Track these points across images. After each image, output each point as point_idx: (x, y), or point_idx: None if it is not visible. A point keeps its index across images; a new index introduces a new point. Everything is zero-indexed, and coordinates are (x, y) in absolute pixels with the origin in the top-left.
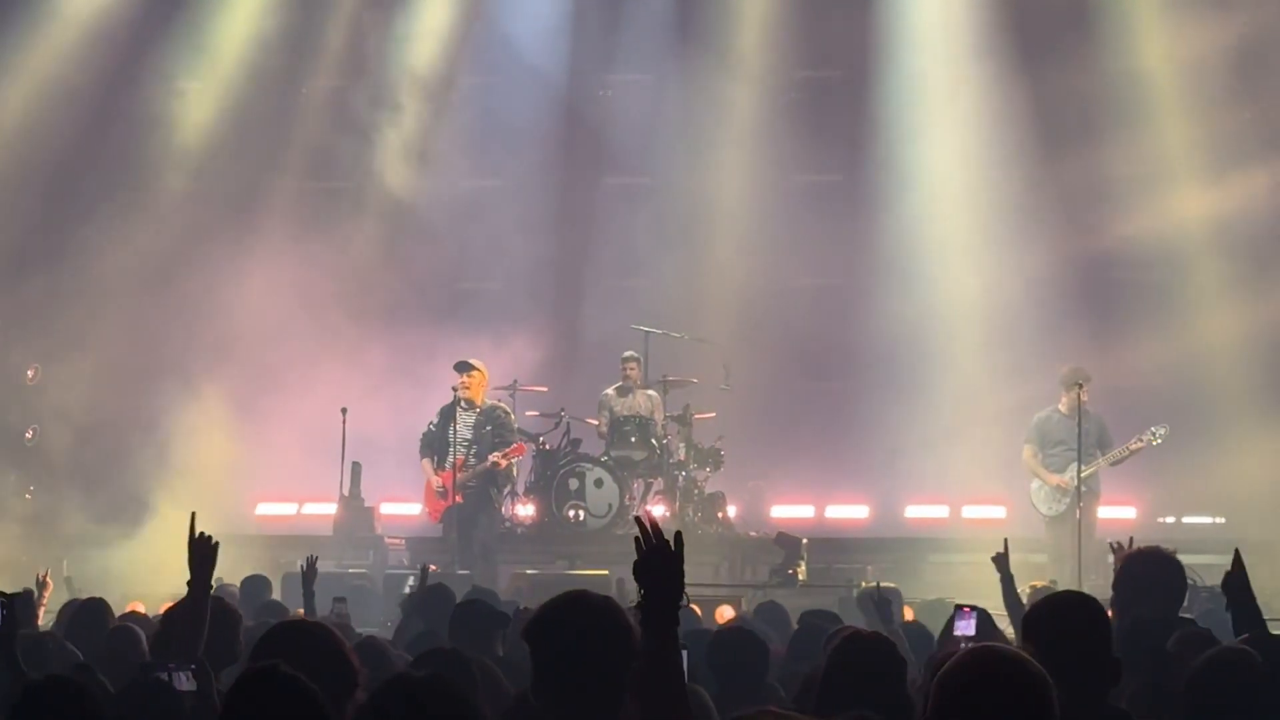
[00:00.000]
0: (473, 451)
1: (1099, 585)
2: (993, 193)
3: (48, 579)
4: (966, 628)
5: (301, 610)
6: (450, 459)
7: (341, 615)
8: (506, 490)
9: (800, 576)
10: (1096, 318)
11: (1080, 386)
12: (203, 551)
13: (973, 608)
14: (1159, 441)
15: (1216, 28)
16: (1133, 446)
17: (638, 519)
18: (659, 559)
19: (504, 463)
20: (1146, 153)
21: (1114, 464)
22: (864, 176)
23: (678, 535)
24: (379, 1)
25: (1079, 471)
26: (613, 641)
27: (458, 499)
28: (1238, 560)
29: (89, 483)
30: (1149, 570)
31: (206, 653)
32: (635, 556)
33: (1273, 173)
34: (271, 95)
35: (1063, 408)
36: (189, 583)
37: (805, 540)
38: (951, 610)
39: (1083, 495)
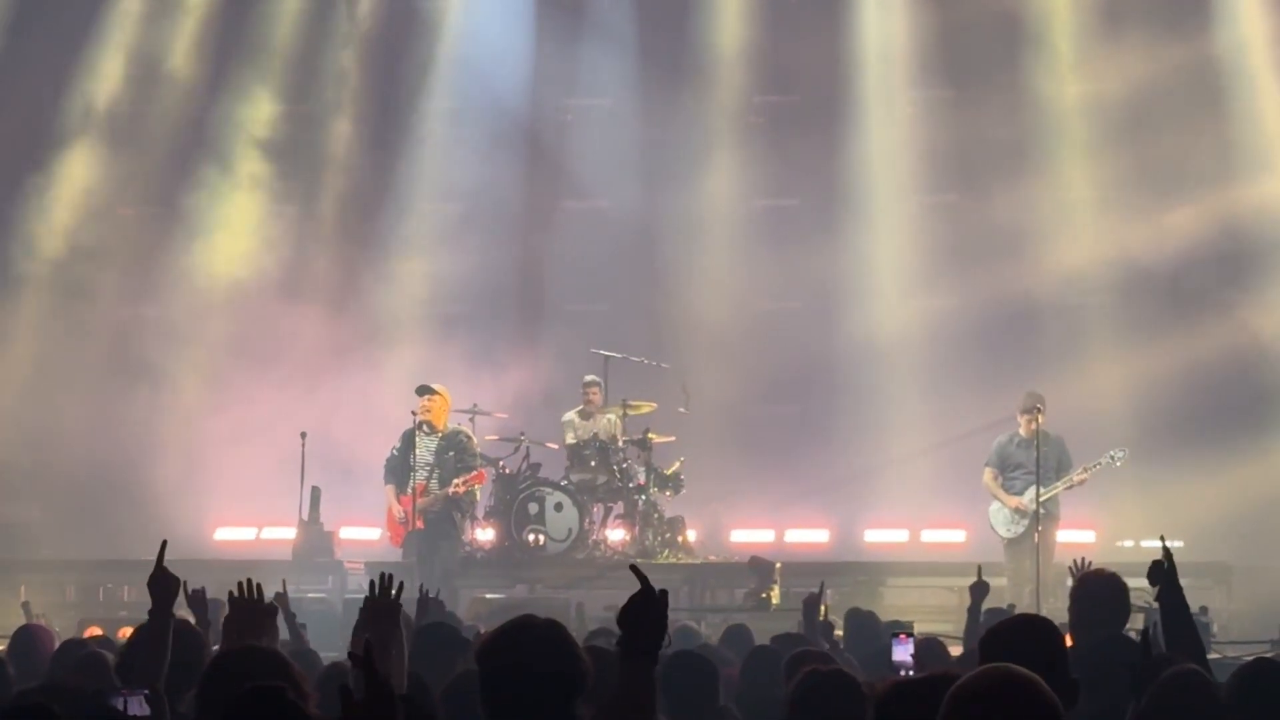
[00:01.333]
0: (434, 476)
1: (1058, 608)
2: (950, 218)
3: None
4: (904, 653)
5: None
6: (411, 484)
7: (302, 642)
8: (468, 515)
9: (774, 600)
10: (1055, 343)
11: (1037, 411)
12: (164, 582)
13: (909, 633)
14: (1119, 464)
15: (1150, 58)
16: (1089, 469)
17: (633, 567)
18: (648, 606)
19: (464, 489)
20: (1093, 180)
21: (1070, 487)
22: (823, 201)
23: (663, 591)
24: (332, 23)
25: (1038, 495)
26: (561, 666)
27: (419, 524)
28: (1167, 552)
29: (48, 508)
30: (1099, 590)
31: (171, 676)
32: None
33: (1217, 201)
34: (214, 110)
35: (1022, 431)
36: (150, 610)
37: (779, 564)
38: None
39: (1041, 518)
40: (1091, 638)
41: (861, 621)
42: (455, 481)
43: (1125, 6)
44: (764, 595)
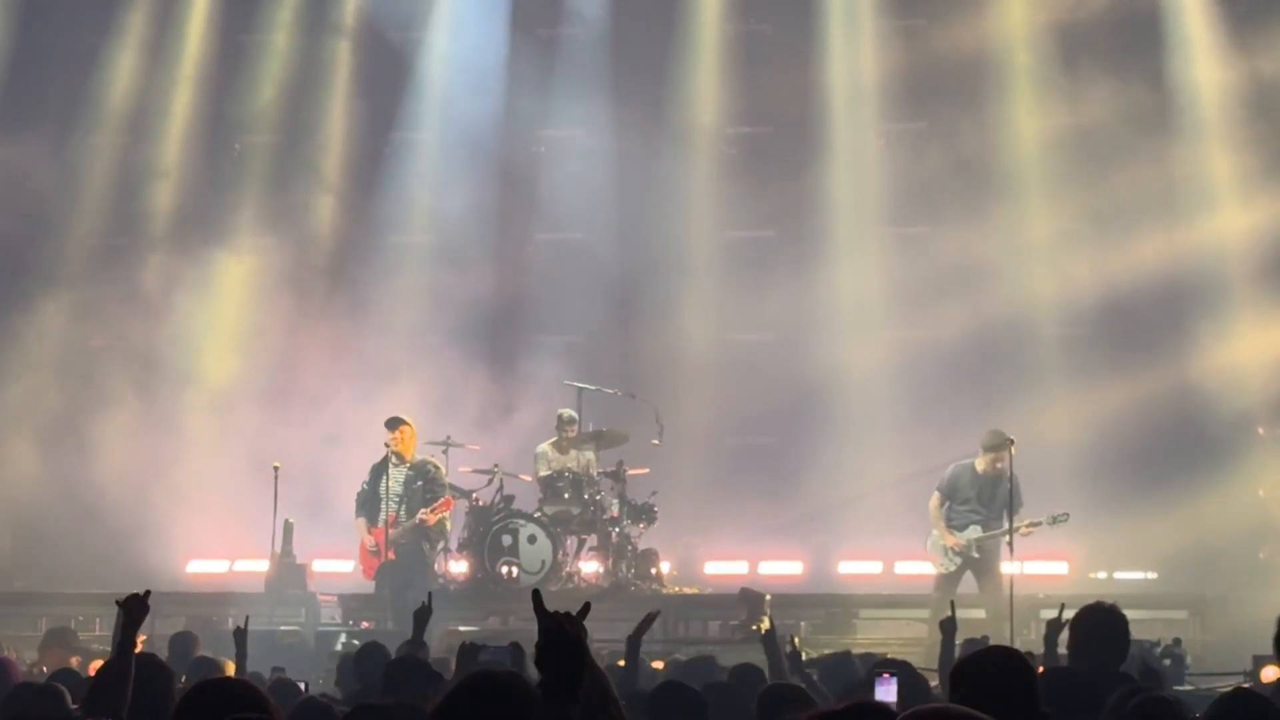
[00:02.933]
0: (404, 508)
1: (1031, 641)
2: (921, 250)
3: None
4: (887, 693)
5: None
6: (383, 515)
7: (278, 678)
8: (440, 546)
9: (763, 632)
10: (1028, 374)
11: (1003, 450)
12: (132, 611)
13: (892, 672)
14: (1056, 525)
15: (1108, 95)
16: (1033, 527)
17: (534, 595)
18: (558, 643)
19: (432, 519)
20: (1058, 213)
21: (1009, 537)
22: (795, 233)
23: (584, 607)
24: (312, 56)
25: (978, 536)
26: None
27: (390, 556)
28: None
29: (19, 541)
30: (1101, 625)
31: (140, 709)
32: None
33: (1174, 236)
34: (203, 151)
35: (979, 465)
36: (115, 640)
37: (769, 595)
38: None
39: (984, 553)
40: (1066, 669)
41: (839, 659)
42: (423, 511)
43: (1085, 45)
44: (754, 627)
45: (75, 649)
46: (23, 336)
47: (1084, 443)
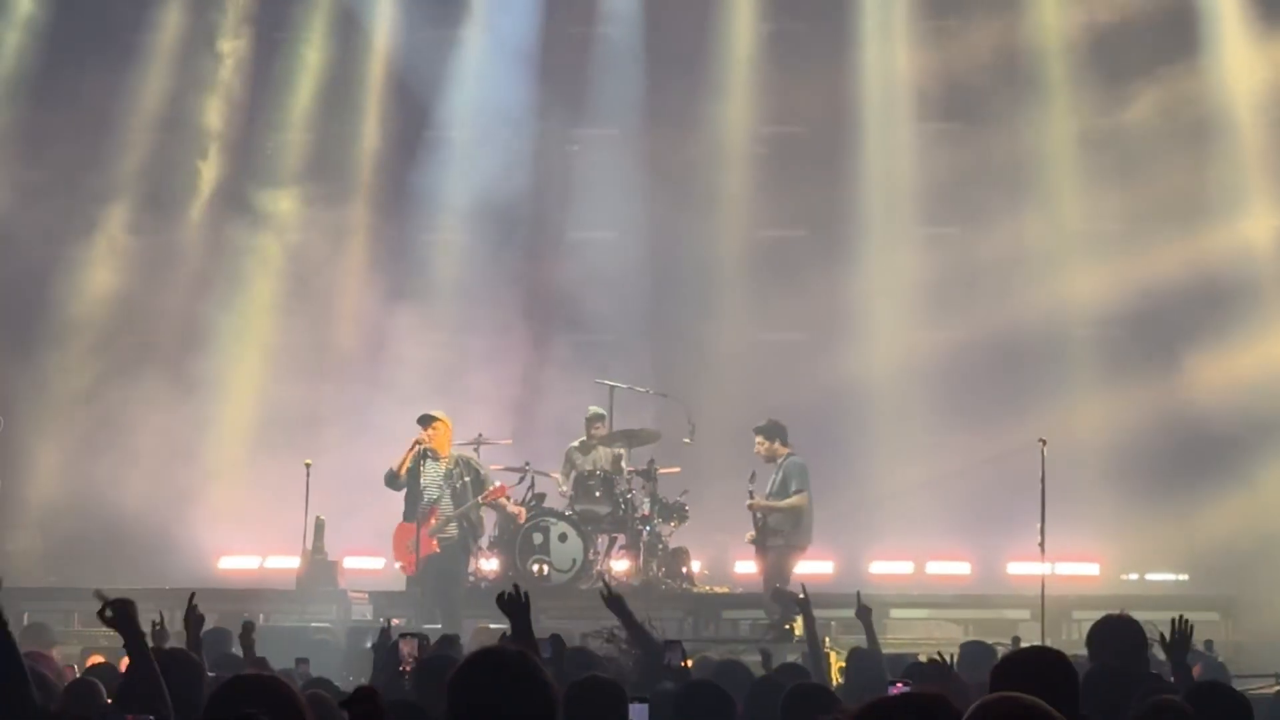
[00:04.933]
0: (445, 498)
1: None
2: (952, 250)
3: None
4: None
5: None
6: (421, 508)
7: (305, 675)
8: (476, 542)
9: (796, 631)
10: (1059, 374)
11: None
12: (117, 616)
13: (906, 682)
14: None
15: (1141, 96)
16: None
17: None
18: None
19: (496, 498)
20: (1091, 213)
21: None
22: (826, 232)
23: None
24: (346, 54)
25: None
26: (528, 704)
27: (435, 549)
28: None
29: (53, 534)
30: (1117, 631)
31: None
32: (599, 611)
33: (1206, 238)
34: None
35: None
36: (125, 645)
37: (802, 595)
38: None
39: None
40: (1097, 668)
41: (863, 662)
42: (485, 492)
43: (1119, 46)
44: (787, 626)
45: (50, 641)
46: (54, 337)
47: (1115, 443)
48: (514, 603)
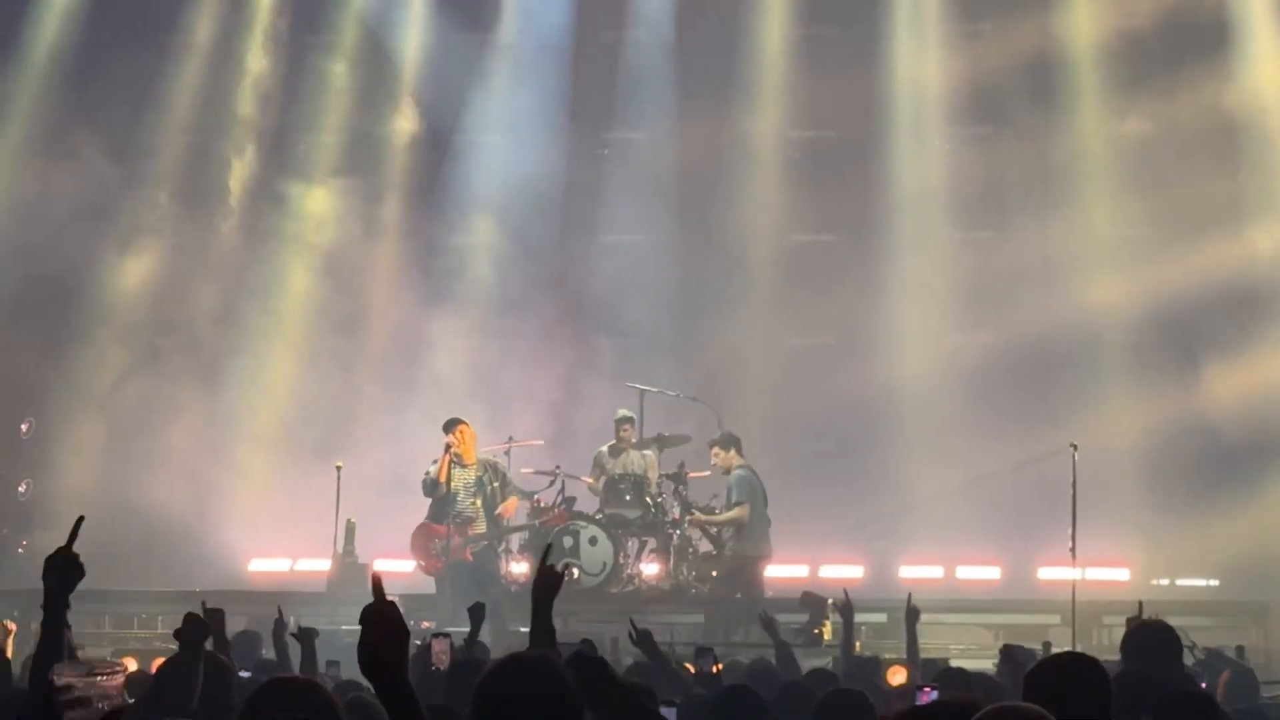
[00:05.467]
0: (478, 504)
1: (1087, 648)
2: (984, 254)
3: (10, 625)
4: None
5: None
6: (454, 517)
7: (335, 678)
8: (502, 548)
9: (826, 636)
10: (1091, 379)
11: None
12: (58, 565)
13: (934, 686)
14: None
15: (1173, 101)
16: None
17: (375, 580)
18: (376, 648)
19: (509, 512)
20: (1124, 218)
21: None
22: (858, 237)
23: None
24: (376, 58)
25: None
26: (553, 701)
27: (467, 556)
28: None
29: (84, 536)
30: (1152, 638)
31: (202, 707)
32: (630, 615)
33: (1238, 243)
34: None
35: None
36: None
37: (831, 600)
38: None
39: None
40: (1127, 671)
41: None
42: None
43: (1151, 50)
44: (816, 631)
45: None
46: (85, 336)
47: (1146, 448)
48: (545, 581)
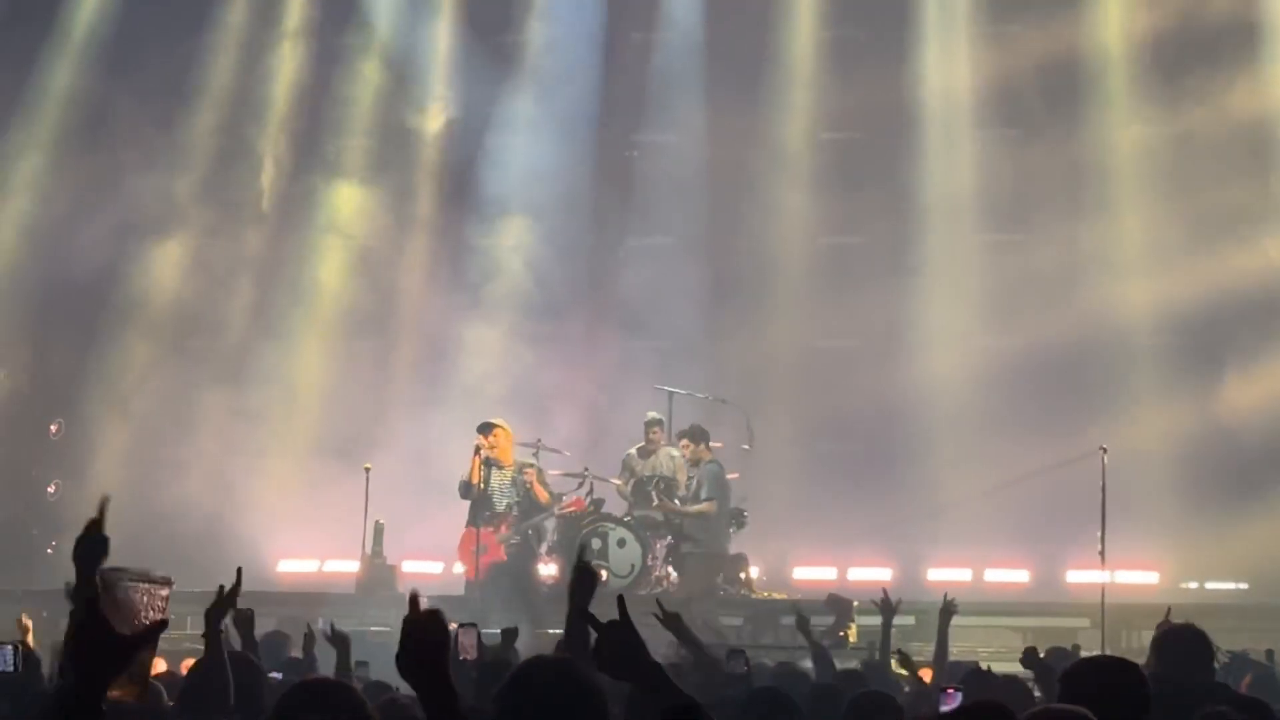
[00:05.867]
0: (515, 508)
1: (1116, 651)
2: (1013, 257)
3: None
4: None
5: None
6: (486, 515)
7: (364, 679)
8: (542, 549)
9: (851, 638)
10: (1120, 383)
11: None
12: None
13: (958, 687)
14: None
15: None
16: None
17: (412, 597)
18: (417, 651)
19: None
20: (1154, 222)
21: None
22: (886, 239)
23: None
24: (409, 56)
25: None
26: (578, 704)
27: (501, 557)
28: None
29: (113, 536)
30: (1184, 643)
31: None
32: (653, 618)
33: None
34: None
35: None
36: (206, 644)
37: (857, 602)
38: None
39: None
40: (1164, 679)
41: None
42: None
43: (1182, 52)
44: (842, 634)
45: None
46: (114, 338)
47: (1176, 451)
48: (581, 582)
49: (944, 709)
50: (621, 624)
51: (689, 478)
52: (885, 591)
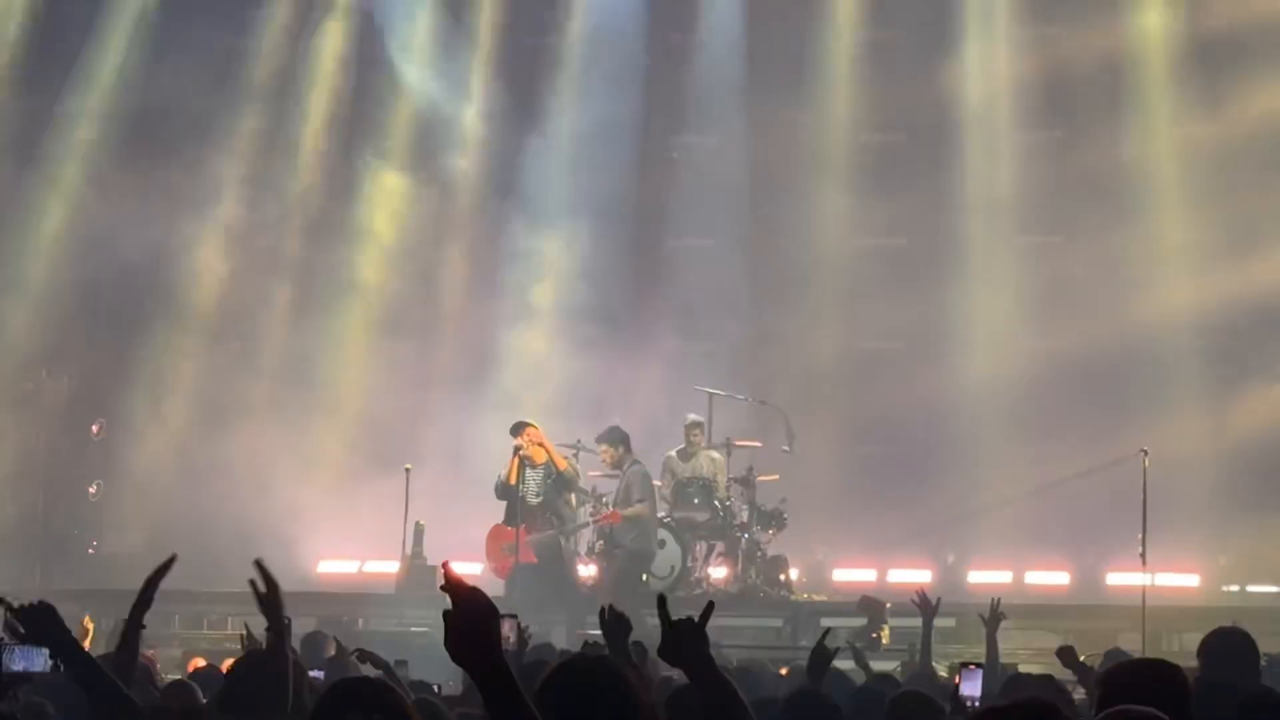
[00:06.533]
0: (546, 509)
1: (1157, 655)
2: (1054, 259)
3: (88, 624)
4: (972, 687)
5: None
6: (523, 518)
7: (404, 678)
8: (574, 548)
9: (884, 640)
10: (1162, 385)
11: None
12: (271, 599)
13: (978, 665)
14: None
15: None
16: None
17: (446, 570)
18: (466, 625)
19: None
20: (1197, 223)
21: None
22: (928, 241)
23: (707, 607)
24: (450, 57)
25: None
26: (615, 705)
27: (532, 559)
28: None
29: (154, 536)
30: (1229, 645)
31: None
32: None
33: None
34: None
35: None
36: (267, 629)
37: (889, 604)
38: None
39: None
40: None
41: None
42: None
43: (1223, 53)
44: (875, 635)
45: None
46: (155, 338)
47: (1217, 454)
48: (613, 625)
49: (966, 689)
50: (694, 621)
51: (727, 481)
52: (923, 592)
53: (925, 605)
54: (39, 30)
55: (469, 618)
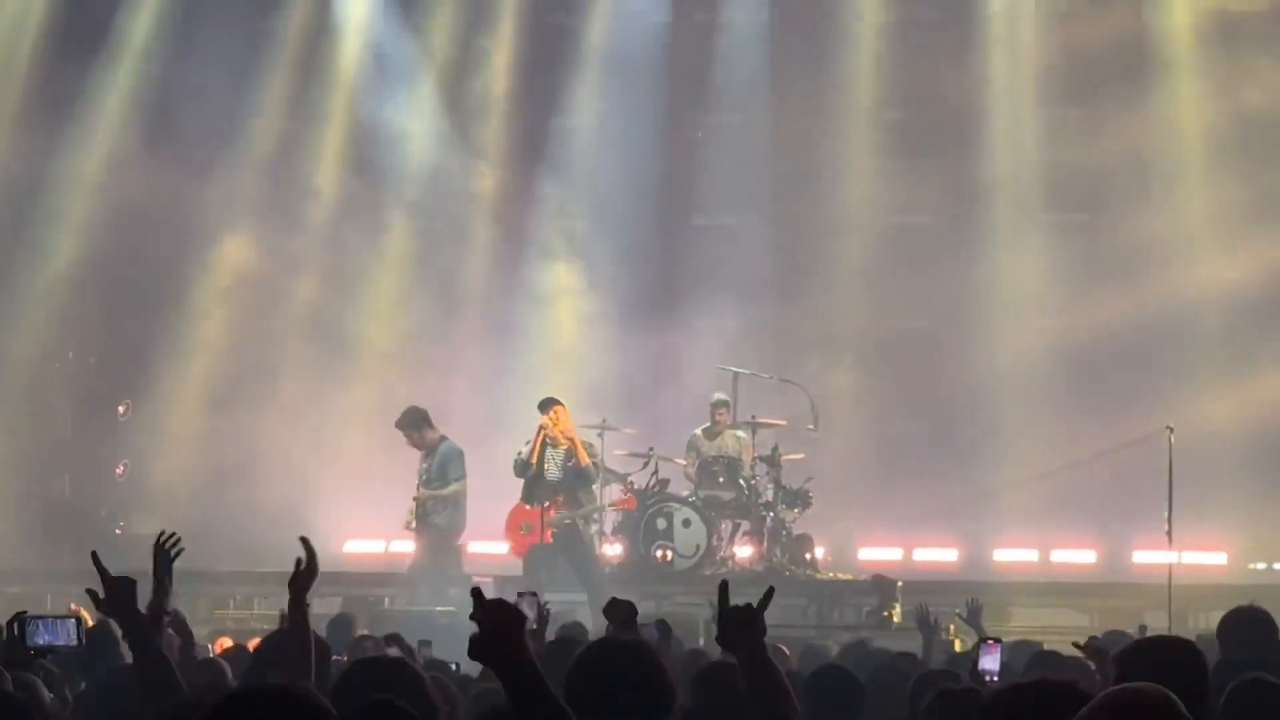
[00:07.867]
0: (566, 489)
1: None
2: (1080, 237)
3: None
4: (991, 661)
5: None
6: (543, 497)
7: (426, 657)
8: (595, 530)
9: (895, 619)
10: (1189, 362)
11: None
12: (305, 579)
13: (997, 640)
14: None
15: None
16: None
17: (474, 591)
18: (493, 633)
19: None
20: (1222, 200)
21: None
22: (952, 218)
23: (768, 592)
24: (472, 40)
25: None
26: (646, 684)
27: (547, 538)
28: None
29: (178, 519)
30: (1248, 623)
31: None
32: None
33: None
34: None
35: None
36: (290, 605)
37: (901, 583)
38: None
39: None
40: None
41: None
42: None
43: (1250, 31)
44: (886, 614)
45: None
46: (181, 322)
47: (1245, 431)
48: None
49: (985, 664)
50: (752, 607)
51: (752, 460)
52: (924, 607)
53: (925, 624)
54: (67, 3)
55: (497, 627)
